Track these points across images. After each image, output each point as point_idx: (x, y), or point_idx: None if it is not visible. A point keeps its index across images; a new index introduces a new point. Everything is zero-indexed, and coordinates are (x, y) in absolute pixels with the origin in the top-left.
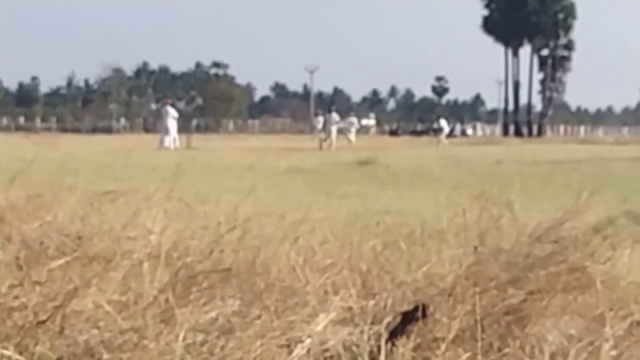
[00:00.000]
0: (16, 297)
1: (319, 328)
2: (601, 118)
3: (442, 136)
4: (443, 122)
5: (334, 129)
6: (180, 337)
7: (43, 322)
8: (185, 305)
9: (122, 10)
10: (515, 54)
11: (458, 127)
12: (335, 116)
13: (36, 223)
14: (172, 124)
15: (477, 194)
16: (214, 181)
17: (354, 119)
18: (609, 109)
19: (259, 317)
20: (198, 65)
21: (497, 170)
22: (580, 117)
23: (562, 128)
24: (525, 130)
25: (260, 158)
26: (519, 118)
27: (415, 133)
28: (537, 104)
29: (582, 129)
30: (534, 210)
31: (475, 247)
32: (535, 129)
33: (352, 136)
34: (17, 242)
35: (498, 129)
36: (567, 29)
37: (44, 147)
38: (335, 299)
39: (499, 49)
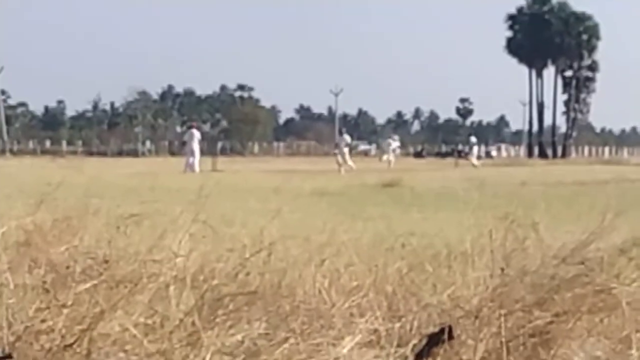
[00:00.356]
0: (43, 321)
1: (345, 351)
2: (625, 139)
3: (473, 157)
4: (474, 140)
5: (346, 150)
6: None
7: (70, 345)
8: (212, 328)
9: (147, 34)
10: (539, 75)
11: (482, 149)
12: (346, 137)
13: (63, 246)
14: (197, 147)
15: (501, 215)
16: (240, 204)
17: (391, 140)
18: (634, 130)
19: (285, 340)
20: (223, 88)
21: (521, 192)
22: (605, 138)
23: (586, 149)
24: (549, 151)
25: (285, 180)
26: (544, 139)
27: (440, 155)
28: (562, 125)
29: (606, 149)
30: (559, 231)
31: (502, 269)
32: (559, 150)
33: (391, 157)
34: (44, 265)
35: (522, 150)
36: (591, 50)
37: (70, 170)
38: (360, 322)
39: (523, 70)
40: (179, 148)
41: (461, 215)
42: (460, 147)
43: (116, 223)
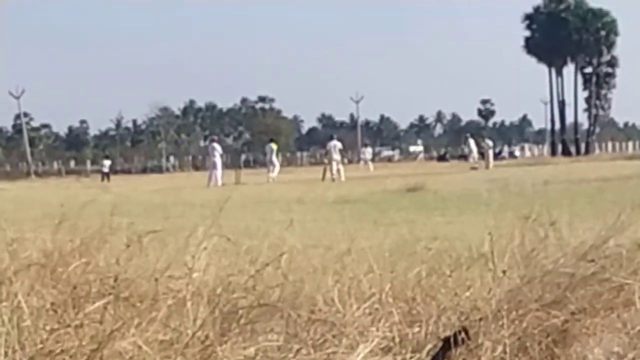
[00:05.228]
0: (57, 342)
1: (359, 359)
2: None
3: (473, 155)
4: (472, 144)
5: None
6: None
7: None
8: (226, 341)
9: (166, 49)
10: (559, 73)
11: (506, 149)
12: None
13: (82, 267)
14: (219, 160)
15: (524, 215)
16: (262, 215)
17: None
18: None
19: (298, 351)
20: (244, 100)
21: (545, 191)
22: (628, 132)
23: (610, 145)
24: (573, 148)
25: (308, 190)
26: (566, 137)
27: (463, 157)
28: (584, 122)
29: (630, 144)
30: (581, 228)
31: (504, 272)
32: (582, 147)
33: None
34: (61, 286)
35: (546, 149)
36: (610, 45)
37: (95, 189)
38: (375, 329)
39: (543, 69)
40: (202, 162)
41: (484, 217)
42: (466, 149)
43: (137, 240)
